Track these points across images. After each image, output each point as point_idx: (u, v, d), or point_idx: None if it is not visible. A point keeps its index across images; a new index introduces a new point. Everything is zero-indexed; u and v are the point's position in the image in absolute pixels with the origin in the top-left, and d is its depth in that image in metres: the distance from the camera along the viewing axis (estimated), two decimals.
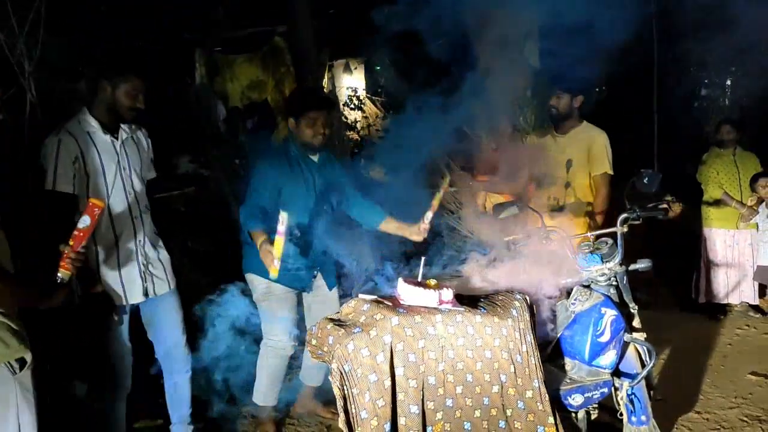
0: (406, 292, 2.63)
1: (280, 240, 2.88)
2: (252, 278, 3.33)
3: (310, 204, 3.36)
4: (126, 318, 2.95)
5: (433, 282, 2.68)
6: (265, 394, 3.44)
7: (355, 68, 14.42)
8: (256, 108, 10.74)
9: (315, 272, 3.44)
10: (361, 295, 2.69)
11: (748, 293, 5.59)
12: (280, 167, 3.32)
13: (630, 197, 3.22)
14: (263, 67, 12.95)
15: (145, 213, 2.99)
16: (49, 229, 2.61)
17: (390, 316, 2.47)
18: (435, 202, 3.36)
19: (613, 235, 3.12)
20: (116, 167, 2.86)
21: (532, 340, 2.77)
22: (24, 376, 2.26)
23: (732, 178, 5.53)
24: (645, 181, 3.13)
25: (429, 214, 3.36)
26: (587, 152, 4.02)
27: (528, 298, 2.90)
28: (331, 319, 2.61)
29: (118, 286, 2.88)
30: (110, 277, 2.86)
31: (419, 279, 2.75)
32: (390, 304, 2.59)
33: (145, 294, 2.95)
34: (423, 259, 2.81)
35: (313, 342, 2.61)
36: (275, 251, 2.88)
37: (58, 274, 2.30)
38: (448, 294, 2.65)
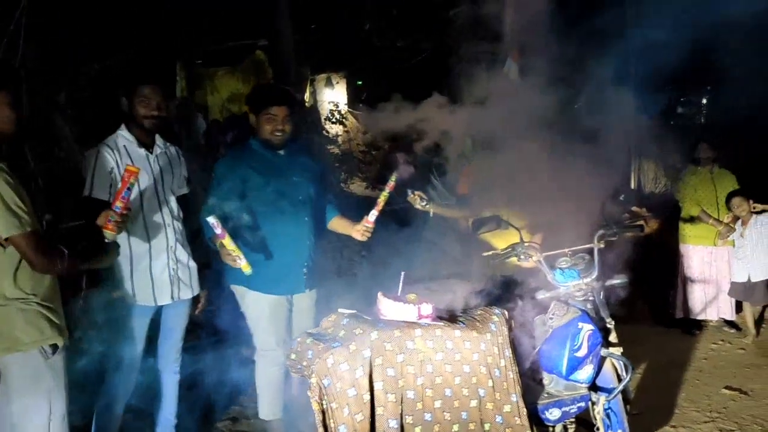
0: (385, 306, 2.65)
1: (227, 240, 2.86)
2: (237, 289, 3.30)
3: (283, 201, 3.26)
4: (148, 320, 3.05)
5: (412, 296, 2.70)
6: (270, 407, 3.38)
7: (337, 82, 14.49)
8: (236, 121, 10.74)
9: (304, 270, 3.32)
10: (340, 310, 2.71)
11: (725, 309, 5.67)
12: (240, 168, 3.22)
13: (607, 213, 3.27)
14: (243, 80, 12.98)
15: (177, 221, 3.12)
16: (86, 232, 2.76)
17: (369, 330, 2.49)
18: (380, 201, 3.33)
19: (590, 251, 3.16)
20: (150, 178, 3.01)
21: (511, 355, 2.80)
22: (56, 361, 2.43)
23: (710, 195, 5.62)
24: (621, 198, 3.18)
25: (373, 213, 3.34)
26: None
27: (506, 312, 2.92)
28: (311, 334, 2.62)
29: (148, 288, 2.99)
30: (143, 278, 2.98)
31: (399, 293, 2.76)
32: (369, 318, 2.60)
33: (172, 297, 3.07)
34: (402, 273, 2.82)
35: (293, 356, 2.62)
36: (231, 250, 2.87)
37: (105, 236, 2.55)
38: (427, 308, 2.67)
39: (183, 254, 3.12)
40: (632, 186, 8.43)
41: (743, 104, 6.60)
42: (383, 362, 2.45)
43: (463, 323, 2.72)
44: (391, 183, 3.37)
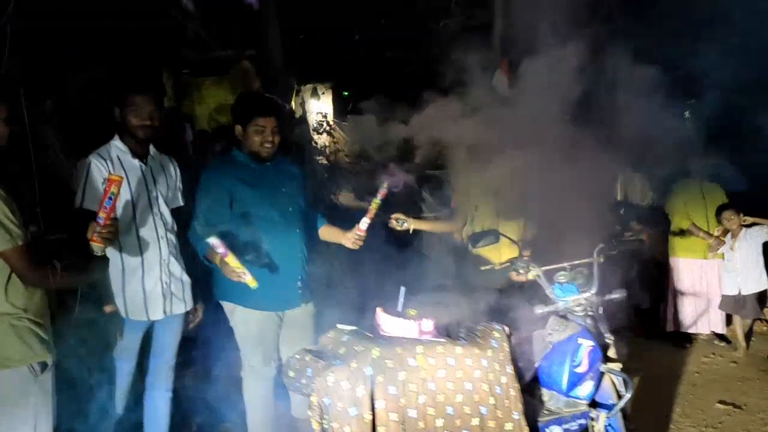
0: (386, 322, 2.60)
1: (231, 258, 2.76)
2: (225, 305, 3.21)
3: (272, 213, 3.16)
4: (140, 335, 2.98)
5: (413, 312, 2.66)
6: (259, 424, 3.29)
7: (323, 93, 14.43)
8: (224, 131, 10.63)
9: (299, 283, 3.23)
10: (339, 326, 2.65)
11: (716, 322, 5.68)
12: (226, 179, 3.12)
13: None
14: (231, 89, 12.84)
15: (170, 233, 3.05)
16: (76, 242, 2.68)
17: (370, 347, 2.43)
18: (372, 209, 3.24)
19: (589, 265, 3.13)
20: (143, 189, 2.94)
21: (512, 371, 2.75)
22: (45, 379, 2.37)
23: (699, 209, 5.63)
24: (621, 212, 3.16)
25: (365, 221, 3.23)
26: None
27: (506, 328, 2.88)
28: (309, 350, 2.56)
29: (140, 302, 2.92)
30: (134, 293, 2.92)
31: (399, 309, 2.71)
32: (370, 335, 2.55)
33: (164, 312, 3.00)
34: (402, 288, 2.77)
35: (291, 374, 2.56)
36: (235, 266, 2.77)
37: (93, 249, 2.44)
38: (428, 324, 2.62)
39: (176, 267, 3.05)
40: (619, 199, 8.47)
41: (728, 116, 6.63)
42: (385, 380, 2.39)
43: (465, 339, 2.67)
44: (383, 190, 3.25)
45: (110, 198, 2.43)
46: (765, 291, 5.60)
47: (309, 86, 14.02)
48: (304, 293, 3.26)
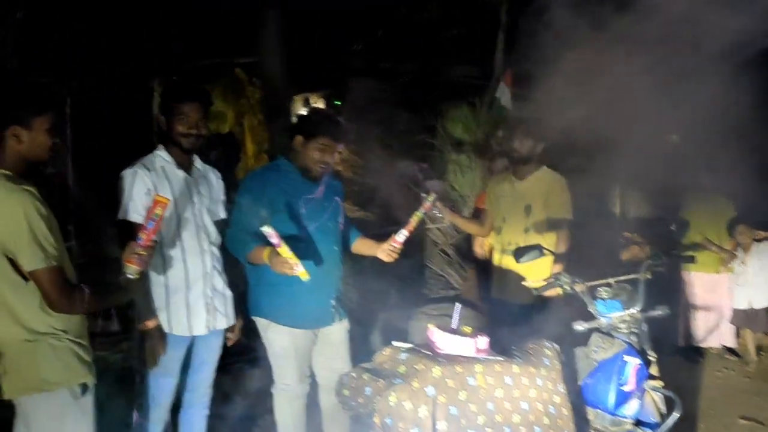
0: (441, 340, 2.53)
1: (284, 249, 2.67)
2: (259, 321, 3.11)
3: (312, 227, 3.07)
4: (183, 351, 2.87)
5: (468, 329, 2.59)
6: None
7: (315, 102, 14.35)
8: (220, 139, 10.52)
9: (332, 302, 3.14)
10: (395, 343, 2.57)
11: (727, 336, 5.68)
12: (270, 188, 3.03)
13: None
14: (223, 98, 12.73)
15: (214, 246, 2.95)
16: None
17: (431, 366, 2.36)
18: (413, 221, 3.11)
19: (633, 281, 3.09)
20: (187, 201, 2.85)
21: (564, 390, 2.70)
22: (85, 402, 2.27)
23: (711, 222, 5.64)
24: (673, 228, 3.12)
25: (403, 233, 3.11)
26: (546, 197, 3.91)
27: (557, 346, 2.83)
28: (366, 369, 2.48)
29: (184, 318, 2.82)
30: (178, 307, 2.81)
31: (454, 326, 2.64)
32: (428, 352, 2.47)
33: (207, 327, 2.90)
34: (458, 305, 2.70)
35: (345, 392, 2.48)
36: (288, 257, 2.68)
37: (128, 272, 2.30)
38: (483, 342, 2.56)
39: (219, 281, 2.95)
40: (617, 211, 8.49)
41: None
42: (446, 400, 2.32)
43: (519, 358, 2.60)
44: (427, 203, 3.16)
45: (153, 219, 2.32)
46: None
47: (300, 96, 13.96)
48: (338, 310, 3.18)
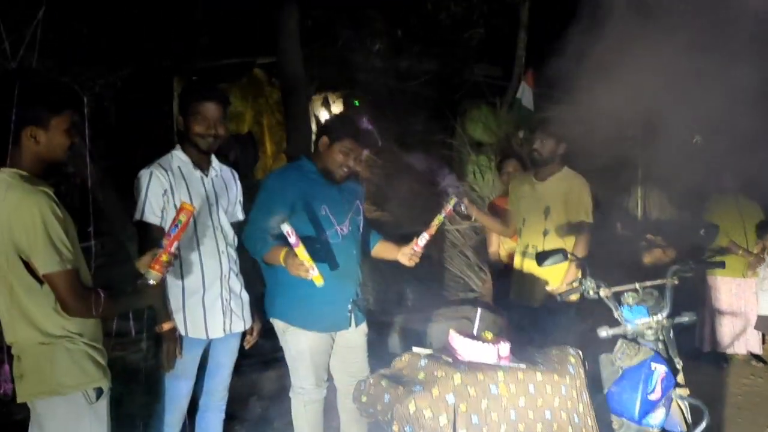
0: (462, 346, 2.46)
1: (301, 250, 2.62)
2: (277, 323, 3.07)
3: (332, 231, 3.02)
4: (199, 354, 2.83)
5: (489, 335, 2.52)
6: None
7: (334, 102, 14.33)
8: (238, 140, 10.52)
9: (350, 306, 3.09)
10: (415, 349, 2.51)
11: (753, 342, 5.56)
12: (292, 189, 2.98)
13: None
14: (242, 97, 12.75)
15: (231, 248, 2.91)
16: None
17: (452, 373, 2.29)
18: (434, 224, 3.05)
19: (660, 287, 3.01)
20: (204, 202, 2.81)
21: (588, 399, 2.62)
22: (100, 406, 2.21)
23: (737, 225, 5.51)
24: (702, 233, 3.03)
25: (425, 236, 3.05)
26: (566, 199, 3.85)
27: (581, 353, 2.75)
28: (384, 375, 2.42)
29: (200, 320, 2.78)
30: (194, 309, 2.77)
31: (475, 332, 2.57)
32: (449, 359, 2.41)
33: (224, 330, 2.85)
34: (479, 310, 2.64)
35: (363, 399, 2.42)
36: (305, 260, 2.63)
37: (149, 277, 2.26)
38: (505, 348, 2.49)
39: (236, 284, 2.90)
40: (638, 213, 8.36)
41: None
42: (467, 409, 2.25)
43: (542, 365, 2.53)
44: (449, 207, 3.10)
45: (177, 225, 2.29)
46: None
47: (319, 96, 13.94)
48: (356, 314, 3.12)
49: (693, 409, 3.05)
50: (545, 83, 7.86)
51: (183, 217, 2.29)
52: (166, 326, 2.66)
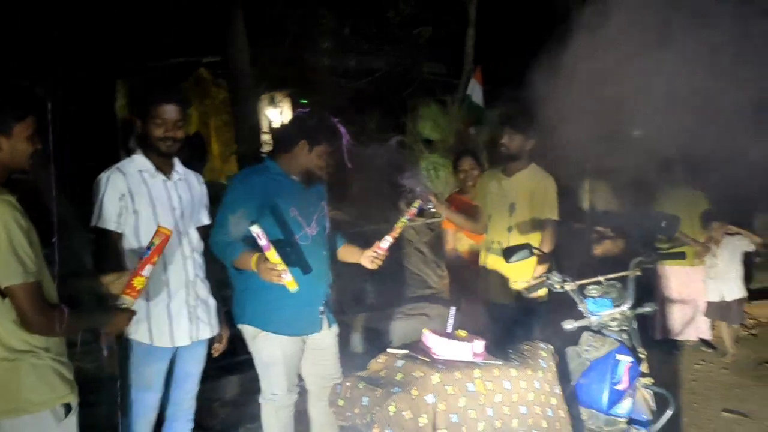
0: (438, 345, 2.46)
1: (272, 253, 2.59)
2: (245, 329, 3.00)
3: (300, 233, 2.97)
4: (166, 363, 2.73)
5: (463, 333, 2.53)
6: None
7: (280, 101, 14.18)
8: (185, 141, 10.28)
9: (321, 308, 3.05)
10: (390, 350, 2.50)
11: (703, 329, 5.73)
12: (257, 192, 2.92)
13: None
14: (188, 98, 12.50)
15: (196, 253, 2.83)
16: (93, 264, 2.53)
17: (430, 373, 2.29)
18: (398, 227, 3.04)
19: (623, 279, 3.07)
20: (167, 207, 2.72)
21: (560, 392, 2.66)
22: (69, 423, 2.13)
23: (684, 216, 5.65)
24: (663, 224, 3.11)
25: (387, 239, 3.05)
26: (532, 196, 3.85)
27: (551, 347, 2.79)
28: (362, 377, 2.40)
29: (166, 328, 2.69)
30: (160, 317, 2.68)
31: (449, 330, 2.57)
32: (425, 359, 2.40)
33: (190, 337, 2.77)
34: (453, 309, 2.64)
35: (340, 403, 2.39)
36: (277, 263, 2.59)
37: (122, 300, 2.24)
38: (480, 346, 2.51)
39: (202, 290, 2.83)
40: (585, 207, 8.54)
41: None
42: (446, 408, 2.25)
43: (516, 360, 2.56)
44: (413, 209, 3.10)
45: (150, 248, 2.25)
46: (745, 297, 5.74)
47: (266, 95, 13.76)
48: (327, 316, 3.09)
49: (657, 397, 3.14)
50: (494, 80, 7.96)
51: (157, 240, 2.26)
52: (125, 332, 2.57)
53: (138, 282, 2.23)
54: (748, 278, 5.78)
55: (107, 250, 2.64)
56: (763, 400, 4.59)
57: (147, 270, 2.25)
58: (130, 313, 2.29)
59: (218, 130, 12.02)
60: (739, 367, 5.33)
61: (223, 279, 3.00)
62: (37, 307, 2.01)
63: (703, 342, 5.81)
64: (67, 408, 2.12)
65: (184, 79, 12.37)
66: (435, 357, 2.43)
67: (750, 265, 6.13)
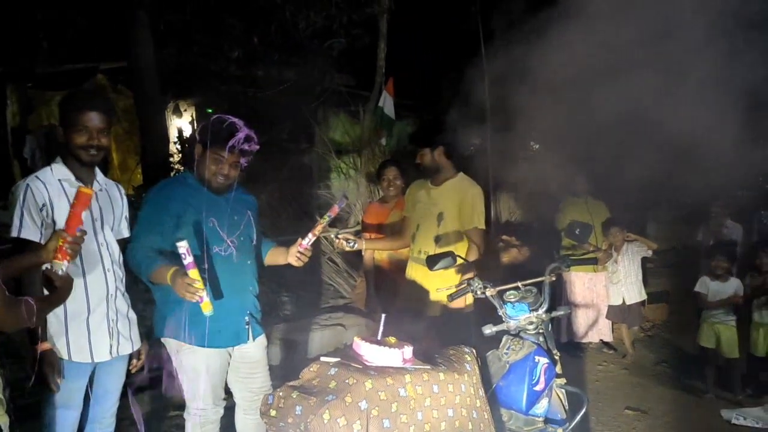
0: (369, 351, 2.49)
1: (195, 272, 2.55)
2: (168, 342, 2.92)
3: (223, 243, 2.91)
4: (85, 380, 2.63)
5: (393, 339, 2.57)
6: None
7: (185, 110, 13.87)
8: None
9: (246, 318, 3.00)
10: (323, 358, 2.51)
11: (605, 331, 6.06)
12: (175, 202, 2.86)
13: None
14: None
15: (117, 266, 2.73)
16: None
17: (363, 379, 2.32)
18: (319, 225, 3.03)
19: (538, 284, 3.21)
20: (88, 218, 2.59)
21: (484, 395, 2.75)
22: None
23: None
24: (576, 232, 3.26)
25: (309, 237, 3.04)
26: (459, 205, 3.89)
27: (474, 351, 2.87)
28: (294, 387, 2.40)
29: (85, 343, 2.58)
30: (78, 331, 2.57)
31: (379, 337, 2.61)
32: (358, 365, 2.43)
33: (110, 353, 2.67)
34: (383, 316, 2.68)
35: (273, 413, 2.38)
36: (196, 280, 2.54)
37: (55, 268, 2.15)
38: (409, 352, 2.55)
39: (123, 304, 2.74)
40: (491, 216, 8.83)
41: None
42: (379, 413, 2.28)
43: (443, 365, 2.62)
44: (335, 208, 3.08)
45: (72, 206, 2.20)
46: (644, 301, 6.12)
47: (171, 103, 13.42)
48: (254, 326, 3.05)
49: (570, 396, 3.30)
50: (404, 92, 8.11)
51: (77, 200, 2.20)
52: (45, 346, 2.46)
53: (65, 242, 2.15)
54: (644, 282, 6.16)
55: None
56: (660, 397, 4.91)
57: (78, 229, 2.19)
58: (68, 279, 2.19)
59: (118, 139, 11.60)
60: (638, 366, 5.66)
61: (143, 292, 2.91)
62: (5, 306, 1.91)
63: (605, 344, 6.13)
64: None
65: (78, 86, 11.88)
66: (367, 364, 2.46)
67: (644, 270, 6.54)
